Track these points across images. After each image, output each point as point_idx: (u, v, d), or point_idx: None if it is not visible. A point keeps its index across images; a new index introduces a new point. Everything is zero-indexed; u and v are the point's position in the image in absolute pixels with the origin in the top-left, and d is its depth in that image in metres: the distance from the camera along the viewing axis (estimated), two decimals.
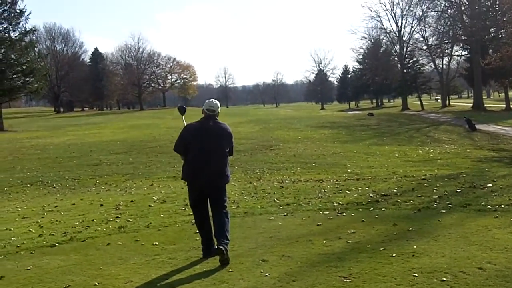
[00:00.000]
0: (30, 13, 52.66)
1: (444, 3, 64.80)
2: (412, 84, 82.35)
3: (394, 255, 6.62)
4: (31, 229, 10.10)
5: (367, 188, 12.31)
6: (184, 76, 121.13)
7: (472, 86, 71.56)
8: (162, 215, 10.45)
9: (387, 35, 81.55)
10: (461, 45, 70.89)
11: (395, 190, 11.64)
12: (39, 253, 8.11)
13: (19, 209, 13.28)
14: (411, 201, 10.11)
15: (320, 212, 9.70)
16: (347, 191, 12.01)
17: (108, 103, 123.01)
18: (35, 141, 33.67)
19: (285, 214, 9.75)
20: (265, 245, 7.55)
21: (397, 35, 79.02)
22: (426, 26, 72.89)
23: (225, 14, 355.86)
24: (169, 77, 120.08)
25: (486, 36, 60.77)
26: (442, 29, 67.69)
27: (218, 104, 7.52)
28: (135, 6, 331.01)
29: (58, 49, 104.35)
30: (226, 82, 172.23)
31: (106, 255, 7.67)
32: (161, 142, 28.90)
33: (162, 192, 14.14)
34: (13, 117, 70.53)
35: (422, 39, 76.73)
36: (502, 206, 9.15)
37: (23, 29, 52.42)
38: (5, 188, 18.16)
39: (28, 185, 18.56)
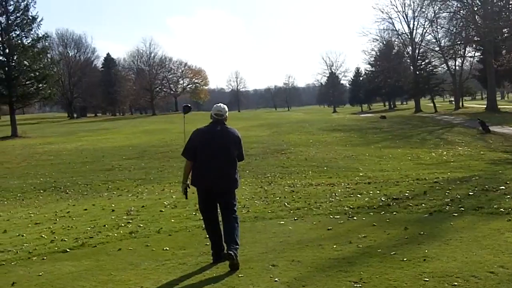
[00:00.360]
0: (42, 20, 52.89)
1: (456, 4, 64.34)
2: (425, 86, 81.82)
3: (405, 259, 6.57)
4: (43, 235, 10.15)
5: (378, 192, 12.23)
6: (196, 81, 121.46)
7: (486, 88, 71.06)
8: (173, 220, 10.47)
9: (399, 36, 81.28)
10: (474, 46, 70.50)
11: (406, 194, 11.57)
12: (51, 259, 8.13)
13: (32, 215, 13.37)
14: (423, 205, 10.05)
15: (331, 216, 9.67)
16: (358, 195, 11.95)
17: (121, 109, 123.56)
18: (48, 147, 33.86)
19: (295, 218, 9.73)
20: (275, 250, 7.53)
21: (409, 36, 78.62)
22: (438, 27, 72.56)
23: (236, 18, 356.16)
24: (181, 81, 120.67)
25: (499, 36, 60.21)
26: (454, 30, 67.27)
27: (226, 108, 7.53)
28: (147, 12, 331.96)
29: (70, 55, 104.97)
30: (237, 86, 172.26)
31: (117, 261, 7.67)
32: (173, 147, 28.92)
33: (173, 197, 14.16)
34: (26, 123, 70.94)
35: (434, 40, 76.56)
36: None
37: (36, 35, 52.75)
38: (18, 194, 18.33)
39: (41, 191, 18.69)
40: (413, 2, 77.11)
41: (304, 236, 8.30)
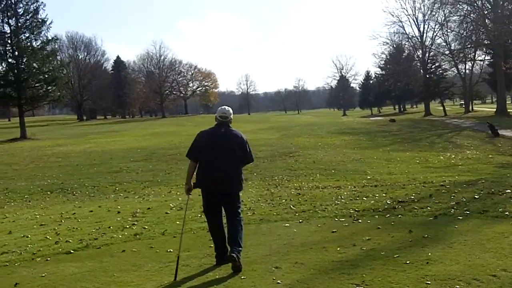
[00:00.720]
0: (52, 22, 53.29)
1: (466, 7, 64.06)
2: (435, 90, 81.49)
3: (408, 262, 6.55)
4: (48, 236, 10.19)
5: (384, 195, 12.19)
6: (206, 84, 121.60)
7: (496, 91, 70.71)
8: (178, 222, 10.47)
9: (409, 40, 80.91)
10: (484, 49, 70.10)
11: (412, 197, 11.52)
12: (55, 260, 8.17)
13: (37, 216, 13.44)
14: (428, 208, 9.99)
15: (336, 219, 9.64)
16: (364, 198, 11.91)
17: (130, 111, 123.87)
18: (56, 149, 33.99)
19: (300, 221, 9.71)
20: (279, 252, 7.53)
21: (419, 40, 78.32)
22: (448, 30, 72.10)
23: (246, 21, 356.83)
24: (191, 84, 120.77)
25: (509, 40, 59.90)
26: (464, 34, 66.90)
27: (231, 110, 7.52)
28: (157, 15, 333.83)
29: (80, 57, 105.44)
30: (247, 89, 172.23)
31: (121, 262, 7.69)
32: (181, 149, 28.91)
33: (180, 199, 14.19)
34: (36, 125, 71.30)
35: (444, 44, 76.07)
36: None
37: (45, 38, 53.00)
38: (25, 196, 18.43)
39: (48, 193, 18.77)
40: (423, 6, 76.86)
41: (308, 238, 8.29)
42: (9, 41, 51.03)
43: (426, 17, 75.74)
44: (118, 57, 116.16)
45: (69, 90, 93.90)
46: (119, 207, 13.52)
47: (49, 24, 52.86)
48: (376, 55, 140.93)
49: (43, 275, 7.31)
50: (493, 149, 29.92)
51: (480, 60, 77.92)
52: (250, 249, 7.68)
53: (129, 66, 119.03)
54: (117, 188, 18.74)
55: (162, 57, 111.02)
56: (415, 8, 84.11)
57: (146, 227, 10.26)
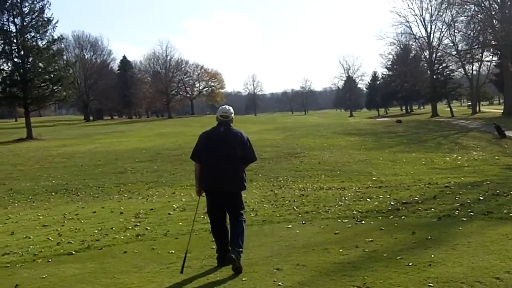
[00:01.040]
0: (57, 22, 53.09)
1: (473, 7, 63.78)
2: (442, 91, 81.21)
3: (410, 264, 6.50)
4: (50, 237, 10.18)
5: (388, 196, 12.11)
6: (212, 84, 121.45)
7: (503, 92, 70.39)
8: (180, 223, 10.46)
9: (416, 40, 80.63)
10: (491, 50, 69.86)
11: (416, 198, 11.43)
12: (56, 261, 8.16)
13: (40, 217, 13.43)
14: (432, 209, 9.92)
15: (339, 220, 9.60)
16: (367, 199, 11.84)
17: (137, 111, 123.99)
18: (62, 149, 33.98)
19: (303, 222, 9.67)
20: (281, 254, 7.49)
21: (426, 40, 77.99)
22: (455, 31, 71.70)
23: (253, 21, 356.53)
24: (197, 84, 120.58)
25: None
26: (471, 34, 66.62)
27: (231, 110, 7.52)
28: (163, 14, 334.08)
29: (86, 57, 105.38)
30: (254, 90, 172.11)
31: (122, 263, 7.68)
32: (186, 150, 28.81)
33: (183, 200, 14.16)
34: (42, 125, 71.41)
35: (451, 44, 75.69)
36: None
37: (51, 37, 52.71)
38: (30, 196, 18.44)
39: (53, 193, 18.79)
40: (431, 6, 76.42)
41: (310, 240, 8.25)
42: (15, 41, 50.96)
43: (433, 18, 75.48)
44: (124, 57, 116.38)
45: (75, 90, 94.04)
46: (122, 208, 13.51)
47: (55, 23, 52.70)
48: (383, 55, 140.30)
49: (44, 276, 7.30)
50: (499, 151, 29.72)
51: (487, 61, 77.60)
52: (252, 251, 7.65)
53: (135, 66, 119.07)
54: (121, 189, 18.72)
55: (169, 57, 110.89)
56: (422, 8, 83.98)
57: (149, 228, 10.23)
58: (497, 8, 60.99)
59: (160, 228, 10.10)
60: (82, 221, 12.06)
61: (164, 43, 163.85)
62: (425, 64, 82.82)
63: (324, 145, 30.97)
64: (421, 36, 79.51)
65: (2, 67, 52.40)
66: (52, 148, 35.96)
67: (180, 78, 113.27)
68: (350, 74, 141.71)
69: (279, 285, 6.14)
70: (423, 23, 78.16)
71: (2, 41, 51.37)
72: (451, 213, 9.45)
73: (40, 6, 51.58)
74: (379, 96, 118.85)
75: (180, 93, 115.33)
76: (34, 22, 51.40)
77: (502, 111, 65.21)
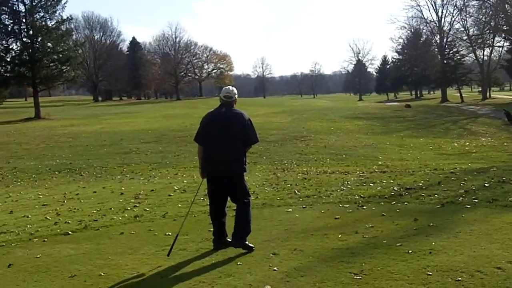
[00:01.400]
0: (66, 2, 52.60)
1: None
2: (452, 76, 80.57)
3: (410, 251, 6.34)
4: (48, 217, 10.10)
5: (392, 181, 11.89)
6: (221, 66, 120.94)
7: None
8: (179, 205, 10.34)
9: (427, 25, 79.81)
10: (503, 35, 69.07)
11: (420, 184, 11.22)
12: (52, 241, 8.09)
13: (41, 196, 13.37)
14: (436, 195, 9.73)
15: (340, 205, 9.43)
16: (370, 184, 11.64)
17: (145, 93, 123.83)
18: (68, 129, 33.96)
19: (304, 206, 9.51)
20: (279, 238, 7.37)
21: (437, 25, 77.13)
22: (467, 15, 70.89)
23: (263, 3, 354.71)
24: (206, 66, 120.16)
25: None
26: (483, 19, 65.86)
27: (235, 91, 7.34)
28: None
29: (96, 38, 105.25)
30: (263, 72, 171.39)
31: (117, 245, 7.60)
32: (192, 132, 28.55)
33: (184, 181, 14.01)
34: (52, 105, 71.59)
35: (462, 29, 74.91)
36: None
37: (60, 17, 52.77)
38: (33, 175, 18.40)
39: (56, 173, 18.74)
40: None
41: (310, 224, 8.11)
42: (24, 20, 50.93)
43: (445, 2, 74.61)
44: (134, 38, 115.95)
45: (85, 71, 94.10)
46: (123, 188, 13.39)
47: (64, 3, 52.58)
48: (393, 39, 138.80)
49: (38, 256, 7.23)
50: (508, 137, 29.45)
51: (499, 46, 76.83)
52: (250, 235, 7.46)
53: (144, 48, 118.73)
54: (124, 169, 18.62)
55: (178, 39, 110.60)
56: None
57: (148, 209, 10.12)
58: None
59: (159, 210, 9.98)
60: (82, 201, 11.97)
61: (174, 25, 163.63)
62: (436, 49, 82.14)
63: (331, 129, 30.77)
64: (432, 20, 78.79)
65: (11, 47, 52.59)
66: (58, 127, 35.98)
67: (189, 60, 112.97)
68: (360, 58, 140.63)
69: (274, 270, 6.02)
70: (434, 7, 77.48)
71: (11, 21, 51.42)
72: (455, 200, 9.26)
73: None
74: (388, 81, 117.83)
75: (189, 74, 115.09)
76: (43, 2, 51.27)
77: None
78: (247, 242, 6.94)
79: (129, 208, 10.36)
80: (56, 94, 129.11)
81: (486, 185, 10.54)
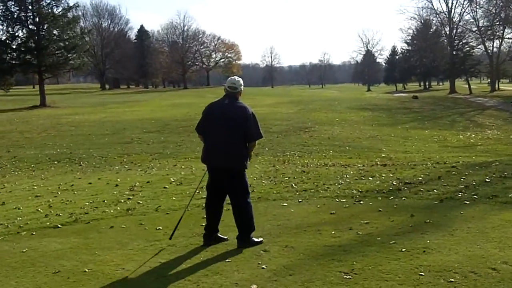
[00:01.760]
0: None
1: None
2: (461, 67, 79.98)
3: (403, 250, 6.15)
4: (39, 209, 9.95)
5: (391, 175, 11.62)
6: (229, 55, 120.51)
7: None
8: (174, 198, 10.15)
9: (437, 15, 79.03)
10: None
11: (420, 178, 10.94)
12: (40, 235, 7.95)
13: (35, 187, 13.22)
14: (435, 190, 9.47)
15: (337, 200, 9.20)
16: (369, 178, 11.36)
17: (153, 81, 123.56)
18: (71, 118, 33.86)
19: (300, 200, 9.31)
20: (271, 234, 7.18)
21: (447, 15, 76.37)
22: (477, 7, 70.31)
23: None
24: (213, 55, 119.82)
25: None
26: (493, 10, 65.31)
27: (241, 81, 7.04)
28: None
29: (104, 25, 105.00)
30: (272, 62, 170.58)
31: (106, 239, 7.44)
32: (195, 122, 28.12)
33: (182, 173, 13.79)
34: (59, 93, 71.55)
35: (472, 20, 74.27)
36: None
37: (66, 4, 52.73)
38: (32, 165, 18.29)
39: (55, 162, 18.62)
40: None
41: (304, 220, 7.91)
42: (30, 7, 50.85)
43: None
44: (142, 26, 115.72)
45: (92, 59, 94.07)
46: (118, 180, 13.21)
47: None
48: (403, 30, 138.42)
49: (24, 250, 7.07)
50: None
51: (509, 38, 76.09)
52: None
53: (153, 36, 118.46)
54: (124, 160, 18.47)
55: (186, 27, 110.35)
56: None
57: (141, 202, 9.94)
58: None
59: (152, 203, 9.79)
60: (76, 192, 11.81)
61: (182, 13, 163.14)
62: (445, 40, 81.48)
63: (336, 120, 30.48)
64: (442, 11, 78.05)
65: (17, 34, 52.44)
66: (62, 116, 35.90)
67: (196, 49, 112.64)
68: (369, 48, 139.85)
69: (263, 268, 5.85)
70: None
71: (17, 8, 51.39)
72: (454, 195, 9.01)
73: None
74: (397, 71, 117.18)
75: (196, 63, 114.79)
76: None
77: None
78: (253, 239, 6.80)
79: (122, 201, 10.18)
80: (63, 82, 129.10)
81: (487, 180, 10.26)
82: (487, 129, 29.38)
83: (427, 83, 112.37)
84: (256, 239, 6.83)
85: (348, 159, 17.32)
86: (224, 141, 6.70)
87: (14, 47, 52.27)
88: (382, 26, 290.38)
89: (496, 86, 76.20)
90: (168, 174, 13.72)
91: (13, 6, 51.24)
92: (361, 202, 8.90)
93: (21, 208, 10.24)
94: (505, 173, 10.85)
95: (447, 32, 78.70)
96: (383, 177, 11.35)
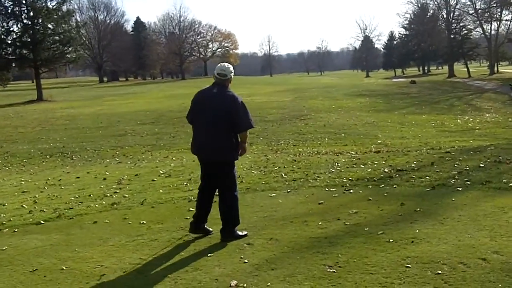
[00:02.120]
0: None
1: None
2: (459, 51, 79.64)
3: (391, 240, 5.93)
4: (24, 205, 9.76)
5: (384, 162, 11.32)
6: (226, 45, 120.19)
7: None
8: (161, 191, 9.93)
9: None
10: (511, 9, 67.99)
11: (413, 165, 10.65)
12: (22, 232, 7.77)
13: (23, 182, 13.05)
14: (427, 177, 9.20)
15: (326, 189, 8.94)
16: (361, 166, 11.07)
17: (151, 73, 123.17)
18: (66, 111, 33.67)
19: (288, 190, 9.06)
20: (256, 226, 6.97)
21: None
22: None
23: None
24: (210, 45, 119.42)
25: None
26: None
27: (231, 68, 6.72)
28: None
29: (100, 18, 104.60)
30: (270, 51, 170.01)
31: (88, 235, 7.26)
32: None
33: (172, 165, 13.54)
34: (57, 87, 71.44)
35: (469, 3, 73.90)
36: None
37: None
38: (24, 160, 18.16)
39: (48, 157, 18.46)
40: None
41: (291, 211, 7.69)
42: (24, 1, 50.50)
43: None
44: (138, 18, 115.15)
45: (89, 52, 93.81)
46: (107, 173, 12.99)
47: None
48: (400, 14, 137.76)
49: (4, 248, 6.90)
50: None
51: (507, 20, 75.74)
52: None
53: (149, 27, 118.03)
54: (117, 152, 18.27)
55: (182, 18, 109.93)
56: None
57: (127, 195, 9.72)
58: None
59: (139, 196, 9.56)
60: (63, 187, 11.62)
61: (178, 4, 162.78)
62: (443, 24, 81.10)
63: (332, 107, 30.21)
64: None
65: (11, 29, 52.24)
66: (57, 110, 35.72)
67: (193, 39, 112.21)
68: (367, 34, 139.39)
69: (245, 262, 5.66)
70: None
71: (11, 2, 51.20)
72: (447, 182, 8.74)
73: None
74: (395, 57, 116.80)
75: (194, 54, 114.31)
76: None
77: None
78: (238, 232, 6.59)
79: (108, 195, 9.98)
80: (62, 75, 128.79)
81: (481, 165, 9.98)
82: (485, 112, 29.15)
83: (426, 68, 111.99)
84: (240, 233, 6.61)
85: (343, 146, 17.07)
86: (211, 133, 6.46)
87: (9, 42, 52.07)
88: (379, 11, 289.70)
89: (496, 69, 75.90)
90: (157, 167, 13.48)
91: (6, 1, 51.01)
92: (351, 191, 8.65)
93: (6, 204, 10.05)
94: (500, 158, 10.57)
95: (444, 16, 78.50)
96: (375, 165, 11.07)
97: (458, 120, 25.45)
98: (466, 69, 76.75)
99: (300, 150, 16.13)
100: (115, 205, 8.93)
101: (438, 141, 17.41)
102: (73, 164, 16.27)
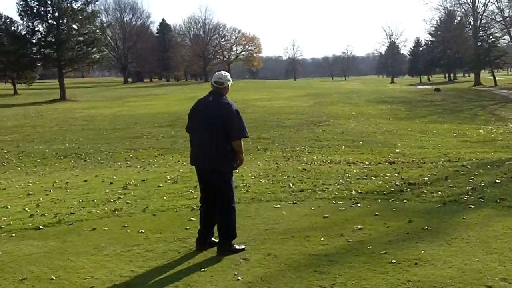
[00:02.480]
0: None
1: None
2: (486, 58, 78.50)
3: (393, 261, 5.64)
4: (26, 208, 9.61)
5: (396, 175, 10.93)
6: (249, 48, 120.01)
7: None
8: (164, 198, 9.70)
9: (461, 6, 77.58)
10: None
11: (426, 178, 10.25)
12: (19, 237, 7.64)
13: (30, 184, 12.95)
14: (439, 192, 8.81)
15: (333, 202, 8.63)
16: (372, 177, 10.71)
17: (175, 75, 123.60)
18: (86, 112, 33.76)
19: (294, 202, 8.77)
20: (255, 240, 6.73)
21: (471, 6, 74.96)
22: None
23: None
24: (234, 48, 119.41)
25: None
26: None
27: (228, 77, 6.58)
28: None
29: (126, 19, 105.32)
30: (294, 55, 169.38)
31: (84, 243, 7.09)
32: None
33: (180, 170, 13.27)
34: (82, 86, 72.00)
35: (497, 10, 72.67)
36: None
37: None
38: (38, 160, 18.12)
39: (61, 158, 18.39)
40: None
41: (294, 224, 7.42)
42: (49, 2, 51.00)
43: None
44: (163, 20, 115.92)
45: (114, 53, 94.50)
46: (115, 177, 12.81)
47: None
48: (426, 21, 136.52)
49: None
50: None
51: None
52: None
53: (174, 29, 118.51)
54: (130, 155, 18.09)
55: (207, 21, 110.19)
56: None
57: (130, 201, 9.51)
58: None
59: (142, 203, 9.35)
60: (69, 190, 11.46)
61: (204, 7, 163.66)
62: (470, 31, 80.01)
63: (352, 114, 29.74)
64: (465, 1, 76.45)
65: (37, 29, 52.74)
66: (77, 110, 35.81)
67: (217, 42, 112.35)
68: (393, 40, 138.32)
69: (238, 279, 5.44)
70: None
71: (37, 3, 51.71)
72: (459, 198, 8.35)
73: None
74: (421, 63, 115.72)
75: (217, 56, 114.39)
76: None
77: None
78: (235, 246, 6.36)
79: (112, 200, 9.78)
80: (88, 75, 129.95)
81: (497, 181, 9.53)
82: (509, 122, 28.43)
83: (452, 75, 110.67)
84: (237, 247, 6.37)
85: (359, 154, 16.68)
86: (206, 142, 6.32)
87: (34, 41, 52.64)
88: (406, 16, 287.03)
89: None
90: (166, 172, 13.25)
91: (32, 1, 51.45)
92: (359, 205, 8.33)
93: (9, 207, 9.93)
94: None
95: (472, 23, 77.26)
96: (387, 177, 10.69)
97: (481, 130, 24.88)
98: (492, 77, 75.61)
99: (314, 157, 15.76)
100: (116, 212, 8.75)
101: (458, 151, 16.94)
102: (84, 166, 16.14)
